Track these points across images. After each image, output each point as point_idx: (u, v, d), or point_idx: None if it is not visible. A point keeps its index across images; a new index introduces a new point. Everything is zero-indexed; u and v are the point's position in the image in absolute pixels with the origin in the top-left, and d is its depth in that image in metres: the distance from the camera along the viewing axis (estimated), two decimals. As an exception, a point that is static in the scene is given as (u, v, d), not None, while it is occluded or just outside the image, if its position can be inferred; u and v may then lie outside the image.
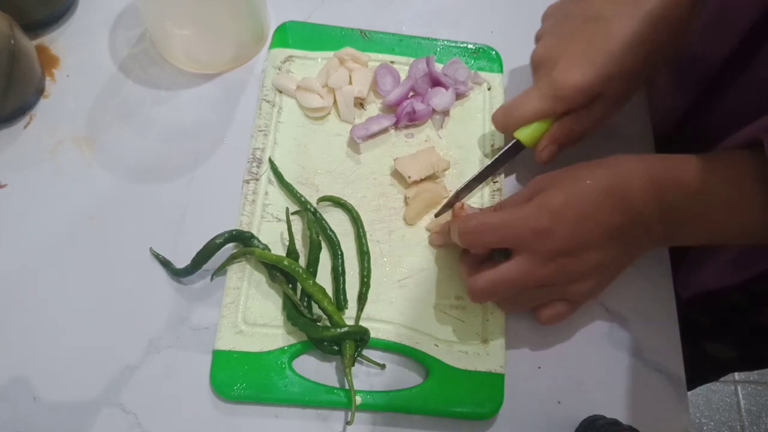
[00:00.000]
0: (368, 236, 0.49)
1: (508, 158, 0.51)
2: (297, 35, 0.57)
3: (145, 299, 0.47)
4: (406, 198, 0.51)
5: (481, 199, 0.52)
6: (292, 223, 0.48)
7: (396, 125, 0.54)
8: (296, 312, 0.45)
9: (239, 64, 0.57)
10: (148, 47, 0.57)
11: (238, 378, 0.44)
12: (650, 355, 0.47)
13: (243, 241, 0.47)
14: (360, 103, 0.55)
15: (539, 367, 0.46)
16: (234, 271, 0.47)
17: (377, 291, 0.47)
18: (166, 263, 0.48)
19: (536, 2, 0.52)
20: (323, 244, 0.48)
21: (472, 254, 0.45)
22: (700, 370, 0.69)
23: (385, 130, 0.54)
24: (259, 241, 0.47)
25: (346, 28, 0.58)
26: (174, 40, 0.54)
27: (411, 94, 0.55)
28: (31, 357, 0.45)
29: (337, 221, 0.50)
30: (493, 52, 0.58)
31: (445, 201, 0.50)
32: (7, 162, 0.51)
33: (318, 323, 0.45)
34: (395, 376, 0.45)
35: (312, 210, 0.49)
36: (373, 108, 0.55)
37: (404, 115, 0.53)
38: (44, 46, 0.56)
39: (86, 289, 0.47)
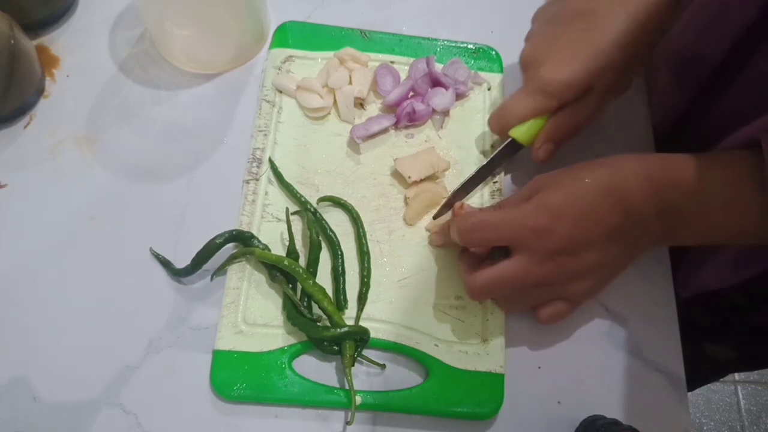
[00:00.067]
0: (368, 236, 0.49)
1: (506, 158, 0.51)
2: (297, 35, 0.57)
3: (145, 299, 0.47)
4: (406, 198, 0.51)
5: (481, 199, 0.52)
6: (292, 223, 0.48)
7: (396, 125, 0.54)
8: (296, 312, 0.45)
9: (239, 64, 0.57)
10: (148, 47, 0.57)
11: (238, 378, 0.44)
12: (650, 355, 0.47)
13: (243, 241, 0.47)
14: (360, 103, 0.55)
15: (539, 367, 0.46)
16: (234, 271, 0.47)
17: (377, 291, 0.47)
18: (166, 263, 0.48)
19: (536, 2, 0.52)
20: (323, 244, 0.48)
21: (471, 253, 0.45)
22: (700, 370, 0.69)
23: (385, 130, 0.54)
24: (259, 241, 0.48)
25: (346, 28, 0.58)
26: (174, 40, 0.54)
27: (411, 94, 0.55)
28: (31, 357, 0.45)
29: (337, 221, 0.50)
30: (493, 52, 0.58)
31: (444, 201, 0.50)
32: (7, 162, 0.51)
33: (318, 323, 0.45)
34: (395, 376, 0.45)
35: (312, 210, 0.49)
36: (373, 108, 0.55)
37: (404, 115, 0.53)
38: (44, 46, 0.56)
39: (86, 289, 0.47)
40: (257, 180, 0.50)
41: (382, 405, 0.44)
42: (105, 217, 0.49)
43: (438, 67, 0.56)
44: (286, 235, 0.48)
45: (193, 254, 0.46)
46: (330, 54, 0.56)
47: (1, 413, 0.43)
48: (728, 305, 0.59)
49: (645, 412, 0.45)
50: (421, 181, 0.51)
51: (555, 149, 0.48)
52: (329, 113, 0.54)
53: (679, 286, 0.50)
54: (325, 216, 0.49)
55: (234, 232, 0.47)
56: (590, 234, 0.41)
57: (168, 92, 0.55)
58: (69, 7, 0.58)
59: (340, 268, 0.47)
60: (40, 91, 0.54)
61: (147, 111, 0.54)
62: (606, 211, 0.41)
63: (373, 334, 0.45)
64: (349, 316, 0.46)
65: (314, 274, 0.47)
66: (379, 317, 0.47)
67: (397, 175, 0.52)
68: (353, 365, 0.44)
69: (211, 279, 0.47)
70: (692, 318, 0.54)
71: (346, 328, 0.44)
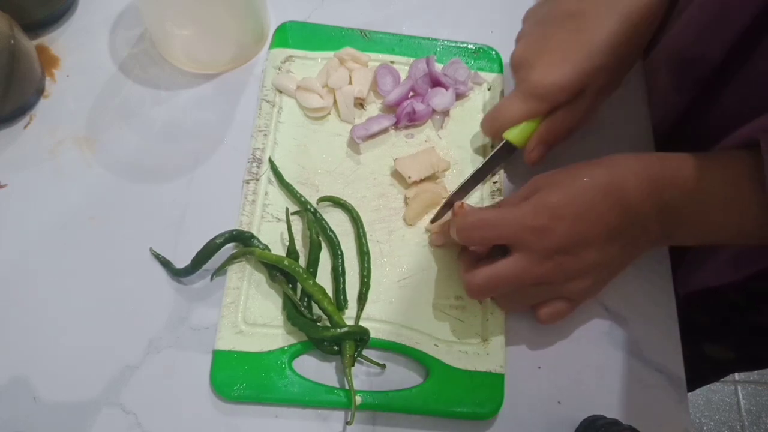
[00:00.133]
0: (368, 236, 0.49)
1: (501, 160, 0.51)
2: (297, 35, 0.57)
3: (145, 299, 0.47)
4: (406, 198, 0.51)
5: (480, 198, 0.52)
6: (292, 223, 0.48)
7: (396, 125, 0.54)
8: (296, 312, 0.45)
9: (239, 64, 0.57)
10: (148, 47, 0.57)
11: (238, 378, 0.44)
12: (650, 355, 0.47)
13: (243, 241, 0.47)
14: (360, 103, 0.55)
15: (539, 367, 0.46)
16: (234, 271, 0.47)
17: (377, 291, 0.47)
18: (166, 263, 0.48)
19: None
20: (323, 244, 0.48)
21: (470, 252, 0.45)
22: (700, 370, 0.69)
23: (385, 130, 0.54)
24: (259, 241, 0.48)
25: (346, 28, 0.58)
26: (174, 40, 0.54)
27: (411, 94, 0.55)
28: (31, 357, 0.45)
29: (337, 221, 0.50)
30: (493, 52, 0.58)
31: (441, 204, 0.50)
32: (7, 162, 0.51)
33: (318, 323, 0.45)
34: (395, 376, 0.45)
35: (312, 210, 0.49)
36: (373, 108, 0.55)
37: (404, 115, 0.53)
38: (44, 46, 0.56)
39: (86, 289, 0.47)
40: (257, 180, 0.50)
41: (381, 405, 0.44)
42: (105, 217, 0.49)
43: (438, 67, 0.56)
44: (286, 235, 0.48)
45: (193, 254, 0.46)
46: (330, 54, 0.56)
47: (1, 413, 0.43)
48: (728, 305, 0.59)
49: (645, 412, 0.45)
50: (421, 181, 0.51)
51: (547, 151, 0.48)
52: (329, 113, 0.54)
53: (679, 285, 0.50)
54: (325, 216, 0.49)
55: (234, 232, 0.47)
56: (589, 233, 0.41)
57: (168, 92, 0.55)
58: (69, 7, 0.58)
59: (340, 268, 0.47)
60: (40, 91, 0.54)
61: (147, 111, 0.54)
62: (605, 210, 0.41)
63: (373, 334, 0.45)
64: (349, 316, 0.46)
65: (314, 274, 0.47)
66: (379, 317, 0.47)
67: (397, 175, 0.52)
68: (353, 365, 0.44)
69: (211, 279, 0.47)
70: (692, 318, 0.54)
71: (346, 328, 0.44)
